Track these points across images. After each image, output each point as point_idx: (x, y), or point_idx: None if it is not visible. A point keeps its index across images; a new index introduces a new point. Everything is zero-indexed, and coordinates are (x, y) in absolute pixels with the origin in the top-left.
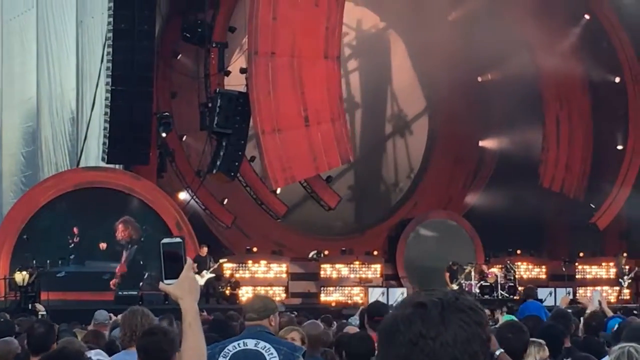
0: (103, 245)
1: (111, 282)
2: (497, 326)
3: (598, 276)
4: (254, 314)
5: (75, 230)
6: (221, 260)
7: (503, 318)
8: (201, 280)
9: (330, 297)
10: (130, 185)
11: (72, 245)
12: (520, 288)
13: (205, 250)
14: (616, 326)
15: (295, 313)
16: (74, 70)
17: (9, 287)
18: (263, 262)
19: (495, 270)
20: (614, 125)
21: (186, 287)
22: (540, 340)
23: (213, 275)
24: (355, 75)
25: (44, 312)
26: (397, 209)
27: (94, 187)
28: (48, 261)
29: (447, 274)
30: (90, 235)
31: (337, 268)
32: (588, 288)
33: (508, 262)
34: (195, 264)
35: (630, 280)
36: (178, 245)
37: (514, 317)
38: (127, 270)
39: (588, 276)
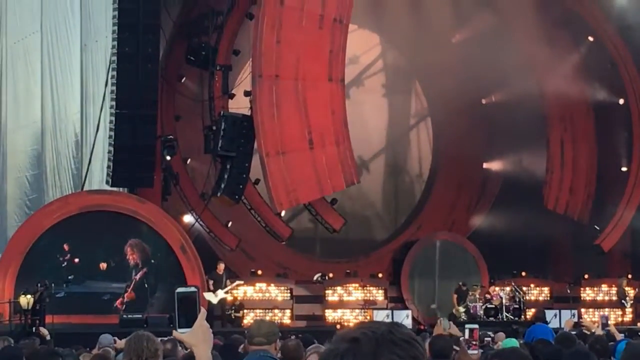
0: (103, 266)
1: (117, 301)
2: (498, 351)
3: (603, 298)
4: (263, 339)
5: (66, 247)
6: (238, 282)
7: (503, 343)
8: (214, 299)
9: (335, 319)
10: (135, 208)
11: (65, 263)
12: (532, 310)
13: (222, 267)
14: None
15: (299, 335)
16: (78, 93)
17: (14, 310)
18: (268, 285)
19: (501, 292)
20: (619, 147)
21: (200, 335)
22: None
23: (227, 295)
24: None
25: (49, 337)
26: (402, 231)
27: (99, 211)
28: (53, 284)
29: (455, 296)
30: (91, 256)
31: (342, 290)
32: (592, 310)
33: (513, 284)
34: (211, 281)
35: (632, 302)
36: (193, 294)
37: (515, 341)
38: (135, 294)
39: (593, 298)
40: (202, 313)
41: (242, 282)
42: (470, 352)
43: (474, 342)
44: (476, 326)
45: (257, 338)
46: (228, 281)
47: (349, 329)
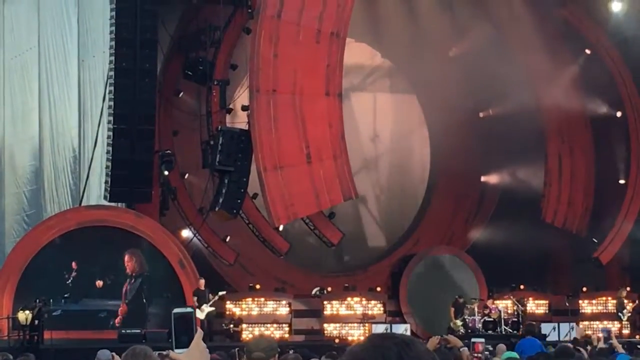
0: (99, 283)
1: (116, 320)
2: None
3: (601, 311)
4: (262, 354)
5: (74, 265)
6: (220, 293)
7: (503, 356)
8: (201, 314)
9: (334, 333)
10: (133, 224)
11: (70, 280)
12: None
13: (203, 283)
14: None
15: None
16: (75, 108)
17: (13, 326)
18: (266, 300)
19: (502, 305)
20: (616, 160)
21: (197, 355)
22: None
23: (213, 308)
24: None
25: None
26: (400, 244)
27: (97, 226)
28: (51, 300)
29: (452, 309)
30: (88, 273)
31: (340, 304)
32: (588, 322)
33: (512, 297)
34: (195, 298)
35: (629, 314)
36: (189, 315)
37: (515, 354)
38: (129, 309)
39: (591, 311)
40: (199, 333)
41: (224, 292)
42: None
43: (476, 355)
44: (482, 340)
45: (256, 353)
46: (210, 295)
47: (360, 345)
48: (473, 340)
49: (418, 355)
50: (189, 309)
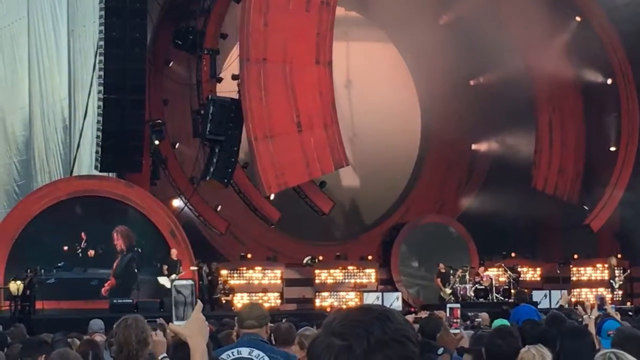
0: (91, 252)
1: (103, 290)
2: (487, 331)
3: (593, 278)
4: (255, 322)
5: (84, 235)
6: (192, 268)
7: (494, 324)
8: (168, 283)
9: (325, 302)
10: (124, 193)
11: (79, 250)
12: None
13: (175, 252)
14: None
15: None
16: (66, 78)
17: (4, 297)
18: (258, 269)
19: (493, 273)
20: (607, 127)
21: (196, 328)
22: (541, 348)
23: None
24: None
25: None
26: (391, 213)
27: (88, 196)
28: (42, 270)
29: (438, 280)
30: (80, 242)
31: (332, 273)
32: (578, 290)
33: (503, 265)
34: (166, 267)
35: (621, 282)
36: (189, 288)
37: (506, 322)
38: (119, 279)
39: (583, 278)
40: (198, 306)
41: (195, 268)
42: (452, 330)
43: (455, 321)
44: (457, 305)
45: (248, 321)
46: (182, 268)
47: (339, 321)
48: (449, 306)
49: (400, 327)
50: (189, 281)
